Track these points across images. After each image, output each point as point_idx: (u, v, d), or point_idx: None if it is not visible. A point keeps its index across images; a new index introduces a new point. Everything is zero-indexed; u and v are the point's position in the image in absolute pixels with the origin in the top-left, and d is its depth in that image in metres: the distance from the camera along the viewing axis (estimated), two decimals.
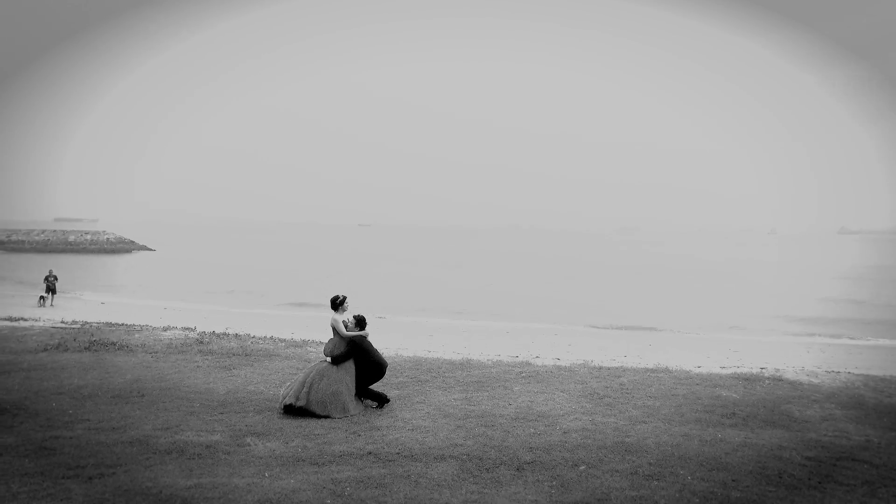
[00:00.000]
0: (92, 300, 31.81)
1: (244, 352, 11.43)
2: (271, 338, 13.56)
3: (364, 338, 8.24)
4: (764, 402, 8.38)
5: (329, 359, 8.00)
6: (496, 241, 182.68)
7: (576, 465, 5.99)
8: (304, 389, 7.73)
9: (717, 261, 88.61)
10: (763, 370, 11.18)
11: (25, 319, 15.63)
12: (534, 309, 34.76)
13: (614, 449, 6.49)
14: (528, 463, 6.07)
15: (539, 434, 7.09)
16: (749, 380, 9.84)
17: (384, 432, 7.08)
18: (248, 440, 6.62)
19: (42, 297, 25.85)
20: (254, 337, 13.32)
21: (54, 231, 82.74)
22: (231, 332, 14.50)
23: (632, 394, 9.02)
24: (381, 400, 8.19)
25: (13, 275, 45.26)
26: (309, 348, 12.21)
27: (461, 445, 6.61)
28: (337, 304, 8.23)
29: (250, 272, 54.79)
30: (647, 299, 39.78)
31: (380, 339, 18.31)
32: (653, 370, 10.75)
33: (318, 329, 21.43)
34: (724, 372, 10.82)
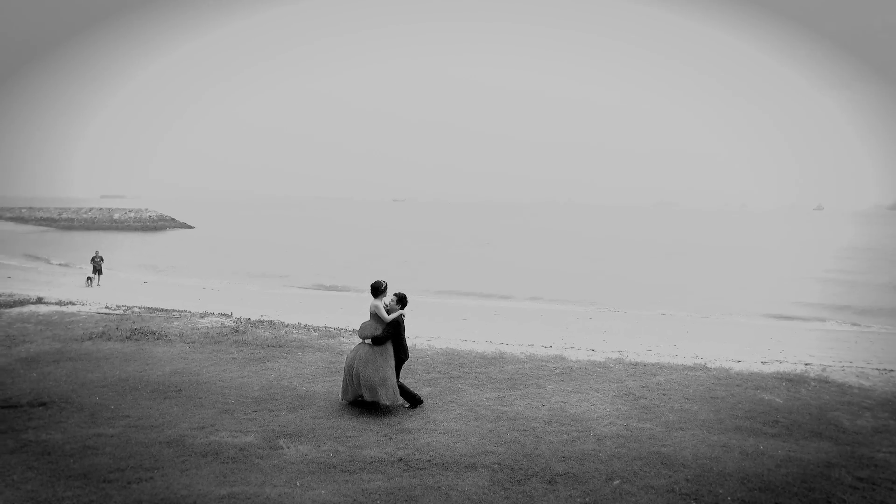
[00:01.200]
0: (135, 279, 32.85)
1: (278, 343, 11.57)
2: (304, 326, 13.71)
3: (403, 316, 8.18)
4: (809, 409, 8.04)
5: (369, 341, 7.93)
6: (532, 217, 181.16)
7: (610, 479, 5.86)
8: (353, 380, 7.85)
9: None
10: (808, 367, 10.76)
11: (73, 304, 16.18)
12: (567, 288, 34.40)
13: (650, 461, 6.32)
14: (561, 475, 5.96)
15: (572, 440, 6.96)
16: (793, 381, 9.47)
17: (415, 436, 7.06)
18: (281, 442, 6.69)
19: (89, 278, 26.81)
20: (287, 325, 13.48)
21: (100, 209, 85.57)
22: (266, 318, 14.70)
23: (669, 395, 8.78)
24: (415, 401, 8.15)
25: (64, 254, 47.06)
26: (342, 339, 12.29)
27: (492, 453, 6.54)
28: (380, 290, 8.12)
29: (285, 250, 55.66)
30: (678, 279, 38.87)
31: (415, 322, 18.42)
32: (691, 368, 10.45)
33: (352, 311, 21.65)
34: (765, 370, 10.45)
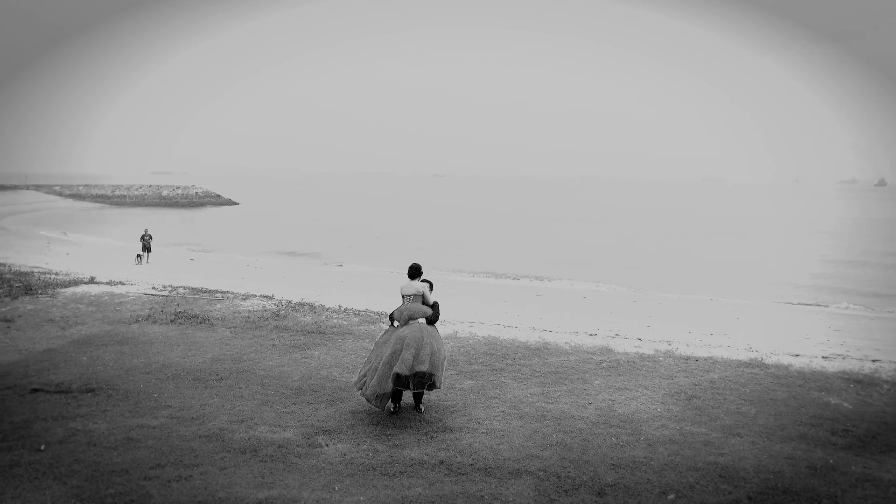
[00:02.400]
0: (182, 256, 33.73)
1: (318, 328, 11.52)
2: (345, 310, 13.65)
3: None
4: (884, 417, 7.42)
5: (422, 320, 7.56)
6: (571, 193, 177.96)
7: (664, 493, 5.50)
8: (412, 355, 7.14)
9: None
10: (877, 366, 10.02)
11: (122, 283, 16.58)
12: (610, 268, 33.58)
13: (707, 472, 5.91)
14: (611, 486, 5.63)
15: (622, 445, 6.61)
16: (862, 383, 8.80)
17: (457, 435, 6.83)
18: (320, 440, 6.57)
19: (139, 256, 27.61)
20: (328, 310, 13.44)
21: (150, 186, 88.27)
22: (306, 301, 14.71)
23: (724, 395, 8.29)
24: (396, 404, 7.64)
25: (117, 230, 48.79)
26: (382, 324, 12.15)
27: (538, 457, 6.26)
28: (421, 272, 7.85)
29: (326, 227, 56.23)
30: (726, 258, 37.39)
31: (455, 304, 18.21)
32: (746, 364, 9.87)
33: (389, 293, 21.59)
34: (829, 368, 9.78)
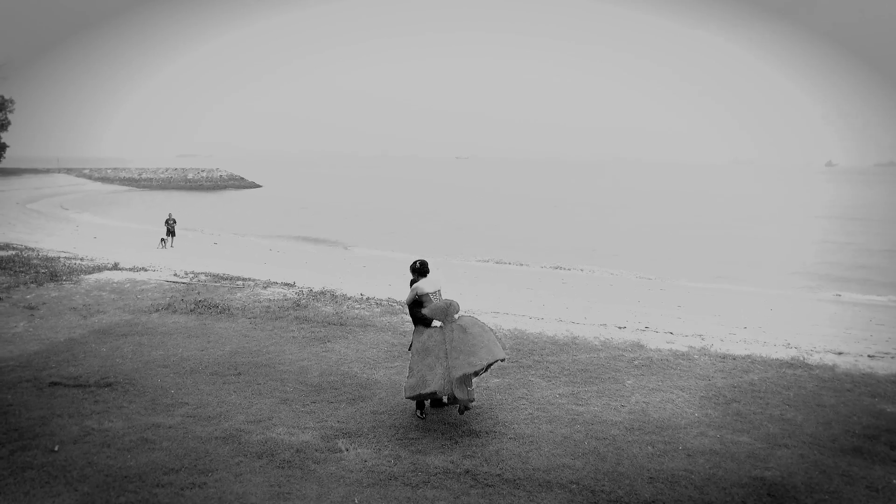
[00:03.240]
0: (206, 240, 33.90)
1: (339, 320, 11.26)
2: (367, 299, 13.37)
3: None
4: None
5: (458, 315, 6.92)
6: (596, 175, 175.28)
7: None
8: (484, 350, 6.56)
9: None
10: None
11: (145, 269, 16.56)
12: (634, 254, 32.82)
13: (754, 489, 5.48)
14: (649, 502, 5.25)
15: (659, 455, 6.20)
16: None
17: (483, 440, 6.50)
18: (340, 444, 6.29)
19: (163, 240, 27.75)
20: (349, 299, 13.17)
21: (175, 169, 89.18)
22: (328, 289, 14.47)
23: (765, 399, 7.79)
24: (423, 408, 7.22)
25: (143, 213, 49.36)
26: (405, 316, 11.84)
27: (569, 467, 5.89)
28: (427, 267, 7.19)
29: (347, 210, 56.15)
30: (753, 243, 36.24)
31: (479, 292, 17.86)
32: (788, 364, 9.33)
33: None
34: (878, 369, 9.19)
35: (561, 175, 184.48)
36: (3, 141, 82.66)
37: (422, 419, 6.99)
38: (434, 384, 6.51)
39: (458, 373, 6.47)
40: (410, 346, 7.02)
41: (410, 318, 7.47)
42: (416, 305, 7.00)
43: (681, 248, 35.20)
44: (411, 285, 7.11)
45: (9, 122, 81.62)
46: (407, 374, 7.04)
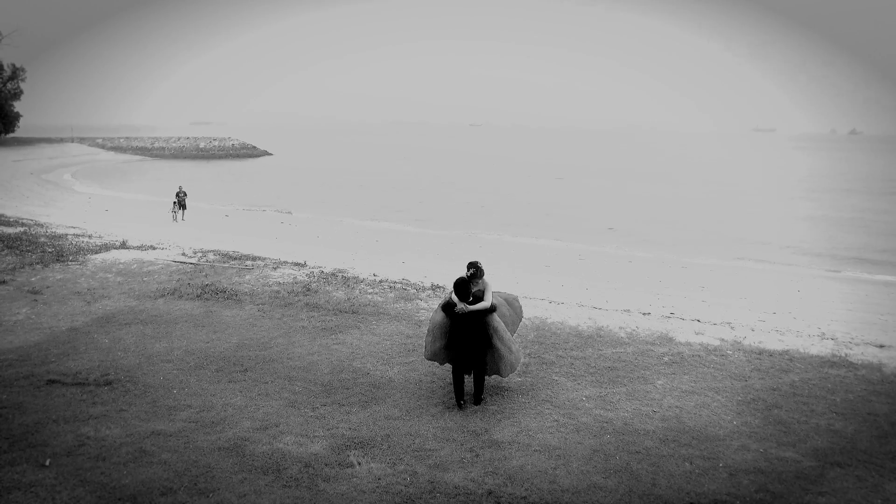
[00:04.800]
0: (217, 212, 33.55)
1: (351, 307, 10.77)
2: (379, 282, 12.87)
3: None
4: None
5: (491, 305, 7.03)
6: (613, 145, 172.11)
7: None
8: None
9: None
10: None
11: (153, 248, 16.16)
12: (650, 230, 31.97)
13: None
14: None
15: (698, 474, 5.68)
16: None
17: (506, 452, 6.01)
18: (352, 457, 5.83)
19: (174, 213, 27.42)
20: (361, 282, 12.67)
21: (188, 138, 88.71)
22: (339, 270, 13.97)
23: (809, 405, 7.21)
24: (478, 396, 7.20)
25: (155, 185, 49.09)
26: (419, 301, 11.33)
27: (601, 488, 5.39)
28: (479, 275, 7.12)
29: (358, 179, 55.45)
30: (774, 217, 35.11)
31: (501, 272, 17.26)
32: (829, 363, 8.70)
33: (425, 254, 20.77)
34: None
35: (576, 143, 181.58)
36: (16, 110, 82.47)
37: (461, 409, 6.93)
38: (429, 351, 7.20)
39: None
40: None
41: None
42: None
43: (701, 223, 34.21)
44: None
45: (21, 92, 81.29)
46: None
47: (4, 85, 79.28)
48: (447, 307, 7.06)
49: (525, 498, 5.24)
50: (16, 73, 79.79)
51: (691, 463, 5.88)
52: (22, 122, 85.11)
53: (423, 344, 7.71)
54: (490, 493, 5.31)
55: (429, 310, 10.72)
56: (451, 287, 7.31)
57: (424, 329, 9.42)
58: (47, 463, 5.54)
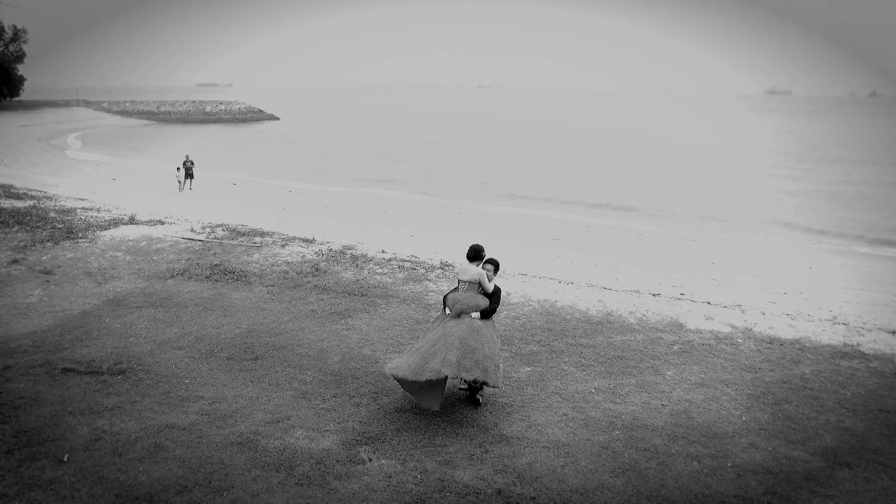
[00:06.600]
0: (225, 180, 33.47)
1: (360, 289, 10.77)
2: (388, 260, 12.84)
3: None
4: None
5: (476, 314, 6.73)
6: (624, 108, 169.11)
7: None
8: (457, 357, 6.35)
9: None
10: None
11: (162, 222, 16.17)
12: (655, 197, 31.64)
13: None
14: None
15: (706, 474, 5.71)
16: None
17: (514, 449, 6.06)
18: (363, 454, 5.90)
19: (180, 182, 27.39)
20: (370, 261, 12.64)
21: (194, 102, 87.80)
22: (348, 248, 13.93)
23: (819, 400, 7.20)
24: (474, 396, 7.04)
25: (162, 151, 48.89)
26: (428, 283, 11.32)
27: (609, 489, 5.45)
28: (481, 257, 6.95)
29: (366, 145, 54.95)
30: (784, 186, 34.59)
31: (502, 247, 17.23)
32: (841, 353, 8.64)
33: (434, 226, 20.70)
34: None
35: (584, 105, 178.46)
36: (20, 73, 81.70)
37: (479, 406, 6.92)
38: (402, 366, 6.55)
39: (440, 367, 6.32)
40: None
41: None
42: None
43: (714, 193, 33.77)
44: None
45: (24, 54, 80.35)
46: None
47: (7, 47, 78.37)
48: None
49: (534, 499, 5.30)
50: (17, 35, 78.74)
51: (699, 462, 5.91)
52: (26, 85, 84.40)
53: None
54: (499, 492, 5.38)
55: (438, 292, 10.71)
56: (457, 269, 7.19)
57: (433, 313, 9.43)
58: (66, 458, 5.65)
